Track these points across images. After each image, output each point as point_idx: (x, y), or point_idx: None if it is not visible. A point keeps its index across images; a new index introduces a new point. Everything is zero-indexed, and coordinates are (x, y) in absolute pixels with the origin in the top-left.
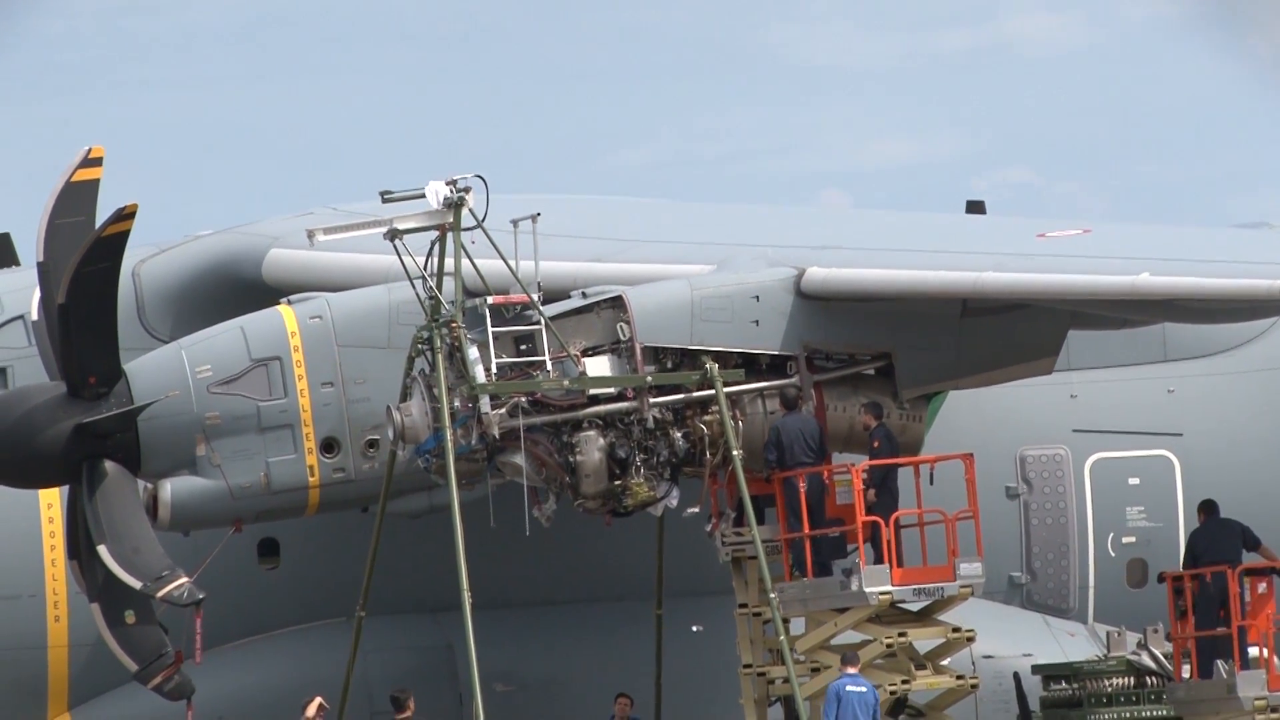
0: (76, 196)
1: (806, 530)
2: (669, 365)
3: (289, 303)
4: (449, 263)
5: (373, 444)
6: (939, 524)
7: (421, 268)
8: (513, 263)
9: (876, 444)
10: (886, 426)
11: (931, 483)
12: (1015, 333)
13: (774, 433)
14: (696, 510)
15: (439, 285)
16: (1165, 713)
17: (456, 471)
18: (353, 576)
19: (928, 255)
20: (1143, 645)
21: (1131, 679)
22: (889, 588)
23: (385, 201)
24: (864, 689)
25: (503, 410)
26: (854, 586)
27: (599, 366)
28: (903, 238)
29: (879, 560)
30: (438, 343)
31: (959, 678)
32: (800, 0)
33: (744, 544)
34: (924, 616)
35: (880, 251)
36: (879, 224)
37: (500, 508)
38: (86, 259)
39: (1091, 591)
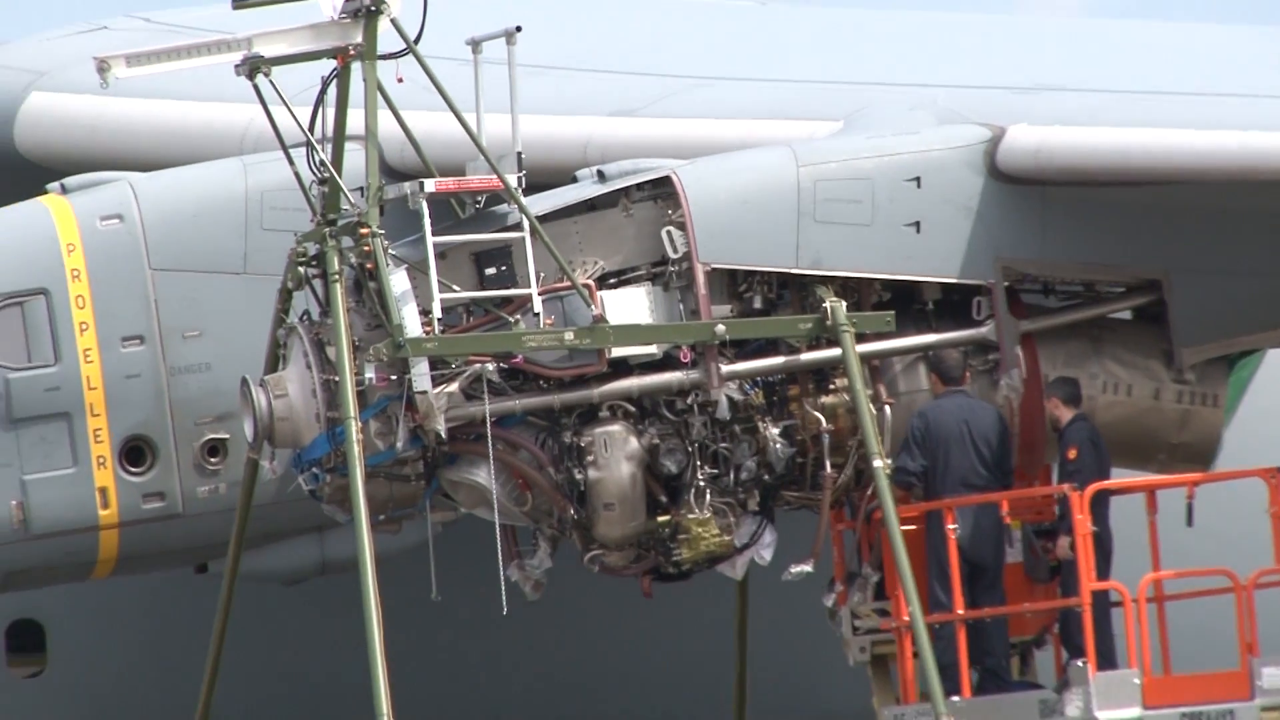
0: None
1: (960, 608)
2: (757, 305)
3: (63, 190)
4: (355, 118)
5: (216, 449)
6: (1219, 595)
7: (306, 127)
8: (472, 118)
9: (1074, 453)
10: (1090, 422)
11: (1190, 521)
12: None
13: (916, 426)
14: (808, 569)
15: (337, 160)
16: None
17: (372, 500)
18: (178, 690)
19: (1236, 103)
20: None
21: None
22: (1138, 712)
23: (238, 7)
24: None
25: (454, 388)
26: (1072, 710)
27: (630, 306)
28: (1186, 71)
29: (1104, 660)
30: (335, 265)
31: None
32: None
33: (891, 631)
34: None
35: (1143, 96)
36: (1139, 44)
37: (450, 566)
38: None
39: None
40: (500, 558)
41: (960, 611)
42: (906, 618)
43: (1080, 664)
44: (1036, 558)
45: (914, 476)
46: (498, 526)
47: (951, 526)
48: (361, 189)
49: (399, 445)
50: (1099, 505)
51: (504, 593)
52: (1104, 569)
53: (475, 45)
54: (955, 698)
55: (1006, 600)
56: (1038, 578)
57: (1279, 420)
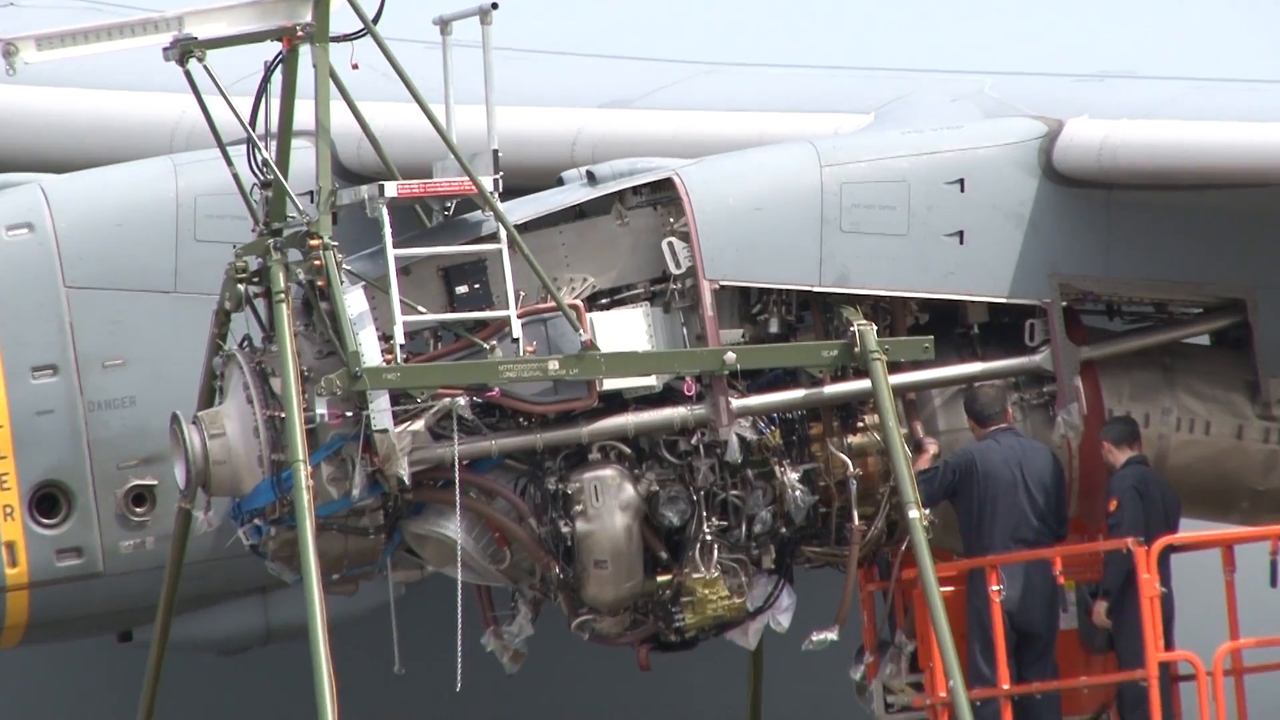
0: None
1: (1005, 683)
2: (773, 329)
3: None
4: (304, 111)
5: (142, 498)
6: None
7: (247, 121)
8: (440, 110)
9: (1113, 505)
10: (1145, 466)
11: (1275, 581)
12: None
13: (954, 469)
14: (832, 637)
15: (283, 160)
16: None
17: (324, 556)
18: None
19: None
20: None
21: None
22: None
23: None
24: None
25: (419, 426)
26: None
27: (625, 330)
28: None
29: None
30: (280, 282)
31: None
32: None
33: (926, 710)
34: None
35: (1226, 85)
36: (1225, 23)
37: (415, 634)
38: None
39: None
40: (460, 625)
41: (1005, 686)
42: (944, 694)
43: None
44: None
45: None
46: (460, 586)
47: (996, 588)
48: (311, 193)
49: (355, 493)
50: (1160, 564)
51: (459, 666)
52: (1164, 636)
53: (444, 25)
54: None
55: (1059, 673)
56: (1095, 647)
57: None
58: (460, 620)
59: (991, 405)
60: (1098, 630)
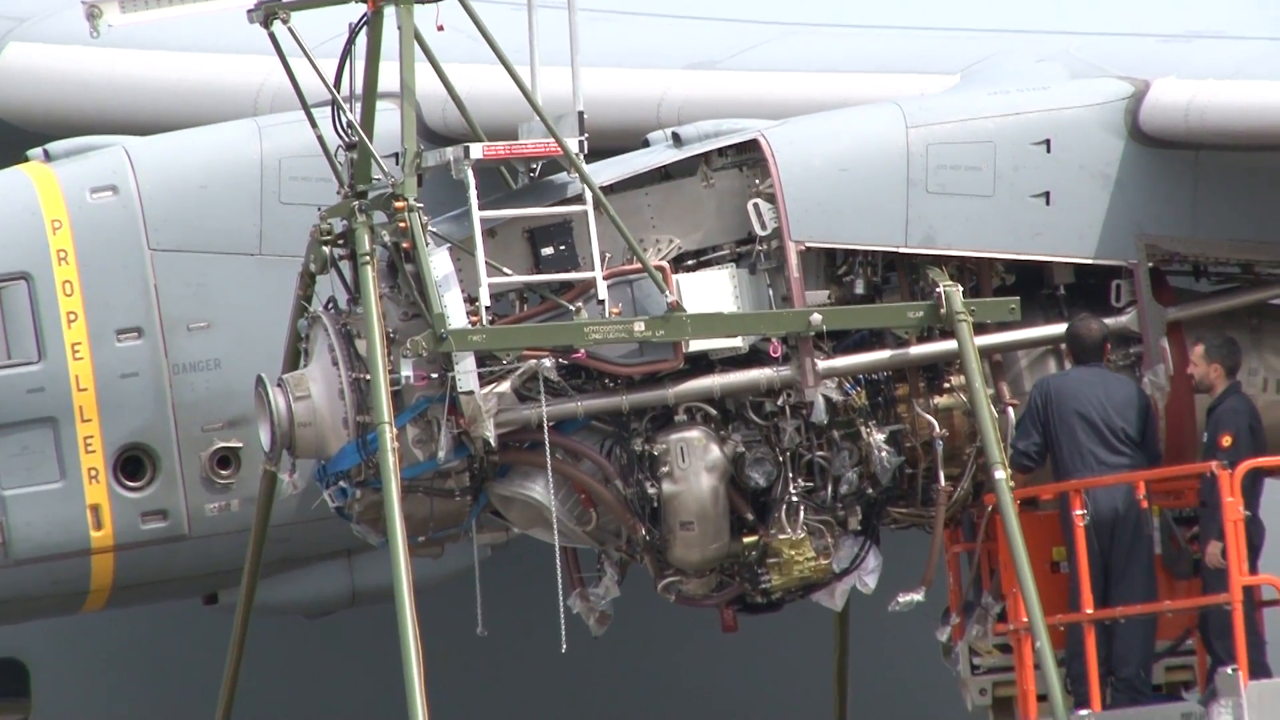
0: None
1: (1088, 608)
2: (859, 290)
3: (47, 157)
4: (388, 73)
5: (227, 460)
6: None
7: (331, 83)
8: (525, 72)
9: (1228, 440)
10: (1249, 400)
11: None
12: None
13: (1035, 399)
14: (918, 598)
15: (368, 121)
16: None
17: (410, 519)
18: None
19: None
20: None
21: None
22: None
23: None
24: None
25: (505, 387)
26: None
27: (711, 291)
28: None
29: (1256, 667)
30: (365, 244)
31: None
32: None
33: (1009, 636)
34: None
35: None
36: None
37: (500, 596)
38: None
39: None
40: (561, 586)
41: (1089, 611)
42: (1025, 619)
43: (1230, 671)
44: (1177, 549)
45: (1029, 458)
46: (558, 552)
47: (1080, 513)
48: (396, 155)
49: (441, 455)
50: (1250, 488)
51: (563, 627)
52: (1251, 561)
53: None
54: (1084, 711)
55: (1151, 598)
56: (1179, 572)
57: None
58: (560, 589)
59: (1089, 344)
60: (1181, 555)
